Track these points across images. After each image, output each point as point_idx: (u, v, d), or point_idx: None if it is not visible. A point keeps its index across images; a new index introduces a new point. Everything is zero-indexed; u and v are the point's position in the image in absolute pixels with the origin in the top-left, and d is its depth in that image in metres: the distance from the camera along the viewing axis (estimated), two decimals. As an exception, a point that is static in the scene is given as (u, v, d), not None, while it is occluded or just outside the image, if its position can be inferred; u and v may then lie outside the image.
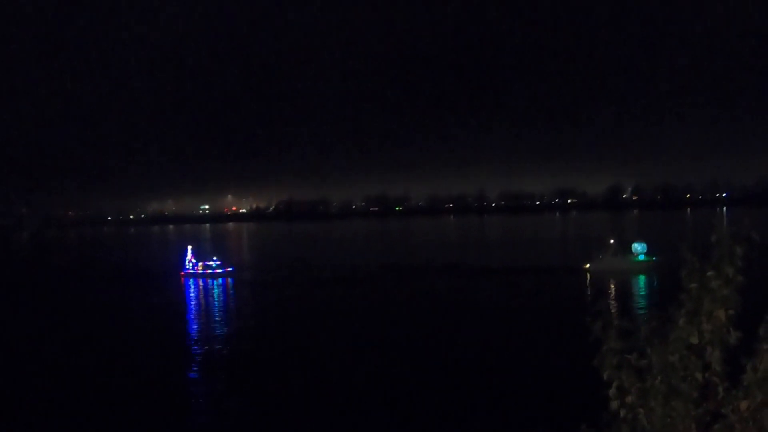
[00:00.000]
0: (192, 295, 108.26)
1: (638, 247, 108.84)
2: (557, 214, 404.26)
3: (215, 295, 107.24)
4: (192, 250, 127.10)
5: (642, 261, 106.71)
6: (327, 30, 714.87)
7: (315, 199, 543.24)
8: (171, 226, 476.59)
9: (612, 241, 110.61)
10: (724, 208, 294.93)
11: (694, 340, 7.43)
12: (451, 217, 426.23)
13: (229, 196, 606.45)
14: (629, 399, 7.58)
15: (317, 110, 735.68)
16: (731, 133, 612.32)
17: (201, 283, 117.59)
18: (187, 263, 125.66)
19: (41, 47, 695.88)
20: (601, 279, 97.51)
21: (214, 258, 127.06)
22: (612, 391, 7.59)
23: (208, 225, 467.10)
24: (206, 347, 66.85)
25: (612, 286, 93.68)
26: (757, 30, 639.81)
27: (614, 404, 7.58)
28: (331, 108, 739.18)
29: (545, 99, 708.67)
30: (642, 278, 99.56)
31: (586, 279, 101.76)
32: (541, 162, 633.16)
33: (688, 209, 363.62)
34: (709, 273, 7.46)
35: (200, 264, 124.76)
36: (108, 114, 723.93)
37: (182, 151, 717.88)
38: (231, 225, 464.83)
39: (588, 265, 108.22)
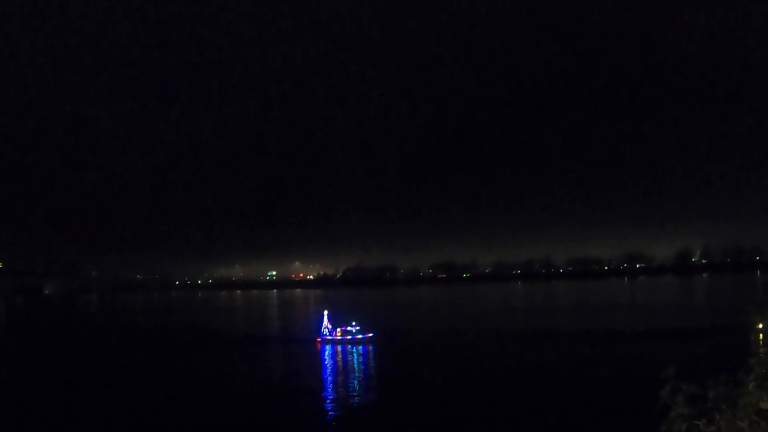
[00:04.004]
0: (333, 361, 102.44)
1: None
2: (626, 279, 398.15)
3: (359, 361, 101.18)
4: (328, 315, 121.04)
5: None
6: (393, 96, 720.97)
7: (382, 265, 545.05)
8: (238, 292, 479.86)
9: None
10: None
11: (765, 405, 7.34)
12: (519, 283, 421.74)
13: (297, 263, 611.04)
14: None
15: (384, 177, 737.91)
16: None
17: (340, 349, 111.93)
18: (323, 329, 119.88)
19: (116, 116, 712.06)
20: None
21: (354, 323, 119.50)
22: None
23: (275, 291, 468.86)
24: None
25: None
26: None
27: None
28: (397, 175, 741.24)
29: (611, 164, 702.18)
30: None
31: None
32: (608, 227, 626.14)
33: (758, 272, 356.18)
34: (779, 337, 7.40)
35: (338, 329, 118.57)
36: (176, 178, 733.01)
37: (250, 217, 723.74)
38: (298, 291, 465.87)
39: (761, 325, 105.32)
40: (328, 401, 74.79)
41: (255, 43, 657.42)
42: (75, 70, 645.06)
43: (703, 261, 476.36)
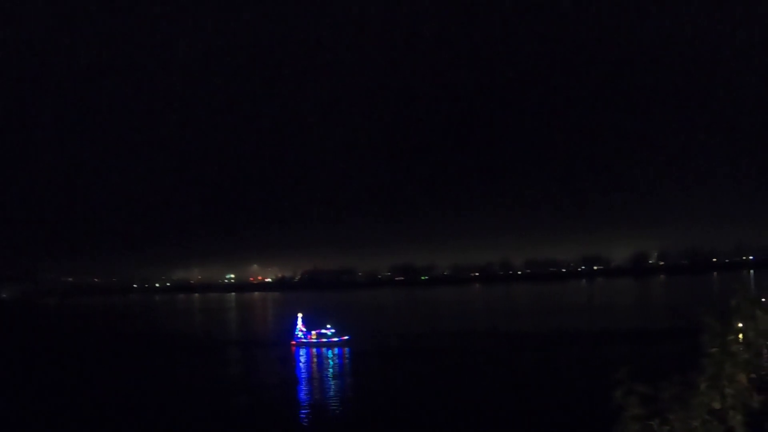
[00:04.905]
0: (309, 364, 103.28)
1: None
2: (583, 281, 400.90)
3: (334, 365, 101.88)
4: (303, 318, 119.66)
5: None
6: (354, 101, 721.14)
7: (340, 268, 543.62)
8: (196, 295, 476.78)
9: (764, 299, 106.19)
10: (752, 272, 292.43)
11: (717, 404, 7.37)
12: (477, 285, 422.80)
13: (255, 265, 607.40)
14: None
15: (341, 180, 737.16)
16: (755, 197, 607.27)
17: (315, 352, 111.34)
18: (297, 332, 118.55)
19: (72, 116, 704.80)
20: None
21: (328, 326, 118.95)
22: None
23: (233, 294, 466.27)
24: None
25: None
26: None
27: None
28: (355, 178, 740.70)
29: (567, 167, 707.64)
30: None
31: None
32: (566, 229, 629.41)
33: (715, 273, 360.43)
34: (730, 337, 7.44)
35: (313, 332, 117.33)
36: (131, 181, 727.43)
37: (207, 220, 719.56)
38: (257, 294, 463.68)
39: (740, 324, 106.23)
40: (306, 404, 74.87)
41: (215, 36, 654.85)
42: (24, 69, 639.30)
43: (660, 263, 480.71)
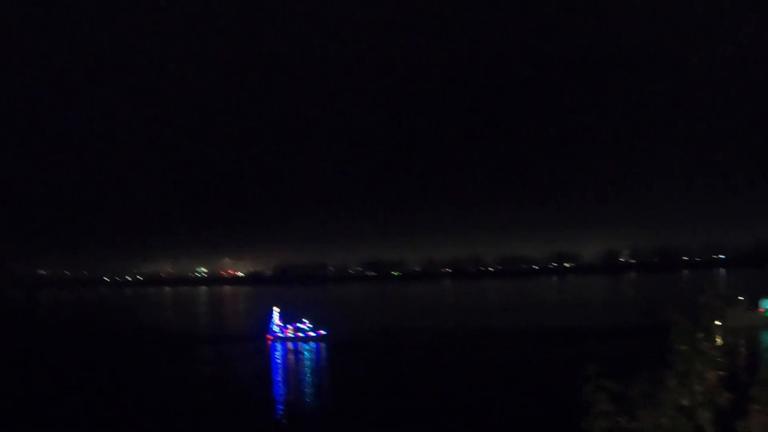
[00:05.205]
0: (286, 360, 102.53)
1: (767, 304, 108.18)
2: (554, 278, 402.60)
3: (311, 360, 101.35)
4: (279, 312, 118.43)
5: None
6: (323, 95, 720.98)
7: (311, 263, 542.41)
8: (167, 288, 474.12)
9: (742, 297, 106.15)
10: (722, 270, 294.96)
11: (685, 402, 7.41)
12: (448, 281, 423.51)
13: (226, 259, 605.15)
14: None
15: (314, 175, 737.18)
16: (725, 198, 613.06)
17: (291, 347, 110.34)
18: (273, 326, 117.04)
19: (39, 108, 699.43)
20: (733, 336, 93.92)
21: (305, 320, 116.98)
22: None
23: (205, 288, 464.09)
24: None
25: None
26: (746, 99, 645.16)
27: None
28: (328, 173, 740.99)
29: (540, 165, 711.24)
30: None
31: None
32: (537, 227, 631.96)
33: (686, 271, 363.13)
34: (699, 335, 7.45)
35: (290, 327, 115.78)
36: (103, 174, 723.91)
37: (179, 214, 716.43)
38: (228, 288, 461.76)
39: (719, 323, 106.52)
40: (283, 399, 74.68)
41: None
42: None
43: (631, 261, 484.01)
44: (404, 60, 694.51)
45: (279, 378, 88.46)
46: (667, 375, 7.52)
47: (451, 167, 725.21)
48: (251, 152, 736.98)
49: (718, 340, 7.47)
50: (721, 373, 7.40)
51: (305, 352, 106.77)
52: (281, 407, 69.66)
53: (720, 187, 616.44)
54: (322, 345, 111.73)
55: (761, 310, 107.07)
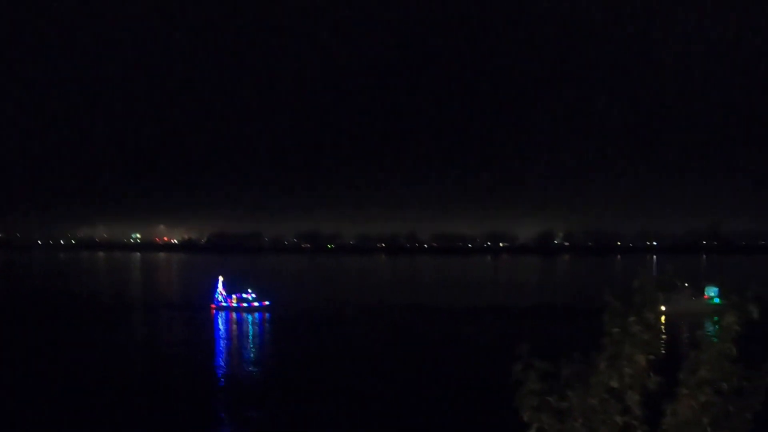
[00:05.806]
0: (228, 329, 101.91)
1: (712, 291, 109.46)
2: (489, 257, 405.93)
3: (255, 331, 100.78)
4: (223, 281, 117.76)
5: (716, 304, 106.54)
6: (265, 67, 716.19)
7: (247, 232, 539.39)
8: (101, 254, 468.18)
9: (686, 284, 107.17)
10: (654, 257, 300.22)
11: (615, 384, 7.47)
12: (383, 256, 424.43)
13: (161, 226, 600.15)
14: (549, 441, 7.57)
15: (252, 144, 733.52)
16: (660, 186, 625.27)
17: (235, 317, 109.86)
18: (218, 295, 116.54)
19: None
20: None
21: (249, 290, 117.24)
22: (531, 433, 7.59)
23: (138, 254, 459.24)
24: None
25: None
26: (682, 89, 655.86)
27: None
28: (266, 143, 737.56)
29: (479, 144, 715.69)
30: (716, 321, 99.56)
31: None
32: (473, 206, 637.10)
33: (619, 256, 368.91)
34: (631, 318, 7.50)
35: (234, 297, 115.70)
36: (40, 136, 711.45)
37: (114, 178, 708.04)
38: (162, 255, 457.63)
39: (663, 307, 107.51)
40: (224, 369, 74.39)
41: None
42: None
43: (565, 243, 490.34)
44: (343, 28, 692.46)
45: (223, 347, 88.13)
46: (597, 357, 7.57)
47: (391, 143, 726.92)
48: (189, 118, 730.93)
49: (656, 324, 7.54)
50: (651, 356, 7.47)
51: (249, 323, 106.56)
52: (223, 376, 69.85)
53: (655, 175, 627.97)
54: (266, 315, 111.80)
55: (706, 297, 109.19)
